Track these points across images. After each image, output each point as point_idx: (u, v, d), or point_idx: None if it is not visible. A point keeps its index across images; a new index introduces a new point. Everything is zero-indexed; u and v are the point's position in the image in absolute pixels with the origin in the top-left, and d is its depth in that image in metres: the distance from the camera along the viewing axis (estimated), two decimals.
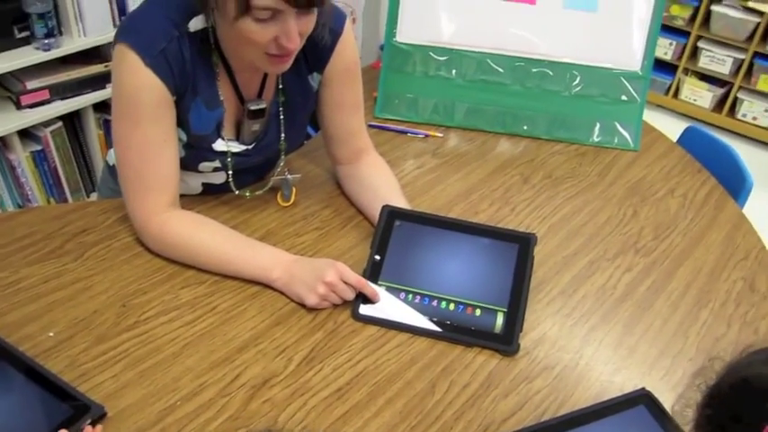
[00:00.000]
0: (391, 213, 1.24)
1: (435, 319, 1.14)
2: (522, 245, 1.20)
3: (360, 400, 1.02)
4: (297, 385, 1.03)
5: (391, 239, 1.21)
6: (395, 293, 1.16)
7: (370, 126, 1.62)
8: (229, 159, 1.25)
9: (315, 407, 1.01)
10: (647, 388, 1.06)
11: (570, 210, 1.46)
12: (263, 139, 1.28)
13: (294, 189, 1.37)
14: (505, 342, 1.12)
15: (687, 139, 1.83)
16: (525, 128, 1.69)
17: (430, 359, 1.10)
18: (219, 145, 1.24)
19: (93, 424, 0.94)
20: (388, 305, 1.15)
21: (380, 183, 1.35)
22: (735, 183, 1.62)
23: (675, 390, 1.09)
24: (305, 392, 1.03)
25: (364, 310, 1.15)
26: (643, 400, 1.04)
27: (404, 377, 1.06)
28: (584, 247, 1.37)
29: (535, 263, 1.23)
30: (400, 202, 1.29)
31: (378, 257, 1.19)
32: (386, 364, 1.08)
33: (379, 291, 1.15)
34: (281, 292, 1.17)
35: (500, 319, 1.14)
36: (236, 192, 1.33)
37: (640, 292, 1.27)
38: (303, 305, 1.15)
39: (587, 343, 1.16)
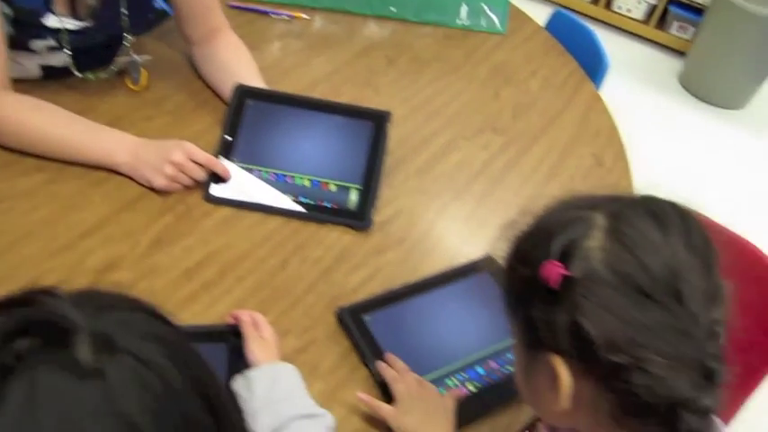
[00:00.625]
0: (243, 92, 1.20)
1: (289, 198, 1.13)
2: (377, 122, 1.20)
3: (209, 279, 1.02)
4: (144, 267, 1.02)
5: (243, 119, 1.18)
6: (248, 173, 1.14)
7: (231, 7, 1.54)
8: (65, 37, 1.16)
9: (163, 287, 0.99)
10: (493, 256, 1.11)
11: (433, 91, 1.47)
12: (102, 14, 1.19)
13: (144, 72, 1.30)
14: (359, 218, 1.13)
15: (554, 24, 1.85)
16: (393, 9, 1.65)
17: (283, 237, 1.10)
18: (51, 20, 1.14)
19: None
20: (240, 185, 1.13)
21: (236, 63, 1.30)
22: (594, 65, 1.67)
23: None
24: (152, 274, 1.01)
25: (216, 190, 1.13)
26: (487, 266, 1.09)
27: (255, 255, 1.06)
28: (444, 127, 1.38)
29: (394, 143, 1.24)
30: (257, 83, 1.25)
31: (229, 137, 1.16)
32: (238, 244, 1.08)
33: (231, 169, 1.13)
34: (129, 177, 1.13)
35: (354, 196, 1.15)
36: (80, 75, 1.24)
37: (495, 168, 1.31)
38: (152, 189, 1.11)
39: (440, 217, 1.19)
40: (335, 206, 1.14)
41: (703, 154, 2.69)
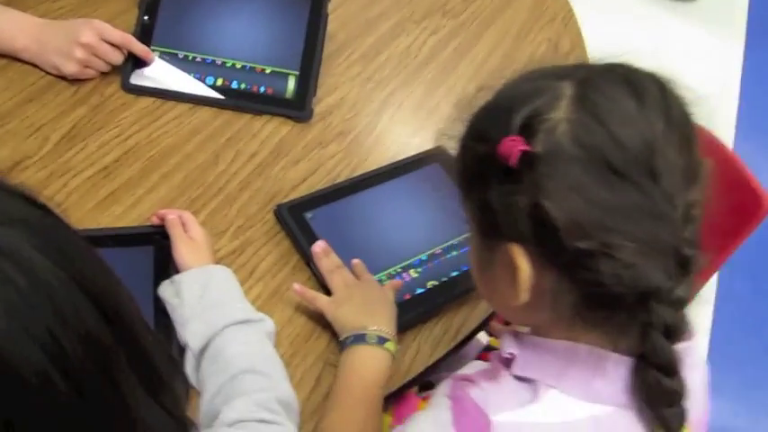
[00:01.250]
0: None
1: (219, 86, 1.02)
2: (315, 1, 1.08)
3: (131, 177, 0.91)
4: (55, 166, 0.90)
5: None
6: (172, 59, 1.02)
7: None
8: None
9: (77, 188, 0.89)
10: (445, 147, 1.03)
11: None
12: None
13: None
14: (297, 108, 1.03)
15: None
16: None
17: (213, 130, 0.99)
18: None
19: None
20: (164, 71, 1.01)
21: None
22: None
23: None
24: (65, 173, 0.90)
25: (136, 78, 1.00)
26: (438, 157, 1.01)
27: (183, 150, 0.96)
28: (390, 8, 1.26)
29: (336, 25, 1.12)
30: None
31: (147, 18, 1.03)
32: (162, 138, 0.97)
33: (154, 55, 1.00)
34: (33, 65, 0.99)
35: (291, 84, 1.04)
36: None
37: (445, 54, 1.21)
38: (62, 77, 0.98)
39: (386, 106, 1.10)
40: (271, 95, 1.03)
41: (656, 44, 2.62)
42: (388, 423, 0.83)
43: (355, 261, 0.86)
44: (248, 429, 0.64)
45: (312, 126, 1.03)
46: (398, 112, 1.10)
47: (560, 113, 0.52)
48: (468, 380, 0.59)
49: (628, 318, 0.54)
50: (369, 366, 0.76)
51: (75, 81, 0.98)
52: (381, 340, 0.76)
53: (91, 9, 1.09)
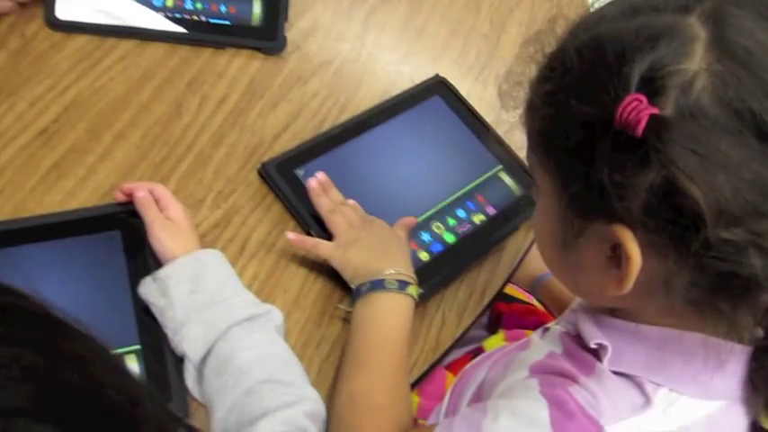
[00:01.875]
0: None
1: (170, 16, 0.84)
2: None
3: (76, 141, 0.74)
4: None
5: None
6: None
7: None
8: None
9: (11, 161, 0.71)
10: (440, 74, 0.89)
11: None
12: None
13: None
14: (268, 37, 0.86)
15: None
16: None
17: (170, 71, 0.82)
18: None
19: None
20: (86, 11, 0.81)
21: None
22: None
23: (471, 72, 0.94)
24: None
25: (64, 11, 0.81)
26: (437, 88, 0.87)
27: (136, 100, 0.79)
28: None
29: None
30: None
31: None
32: (108, 86, 0.79)
33: None
34: None
35: (257, 8, 0.86)
36: None
37: None
38: None
39: (368, 28, 0.94)
40: (233, 23, 0.85)
41: None
42: (416, 402, 0.74)
43: (350, 202, 0.74)
44: None
45: (286, 58, 0.87)
46: (383, 34, 0.94)
47: (695, 63, 0.39)
48: (564, 375, 0.49)
49: (752, 305, 0.44)
50: (393, 316, 0.65)
51: None
52: (403, 285, 0.66)
53: None
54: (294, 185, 0.76)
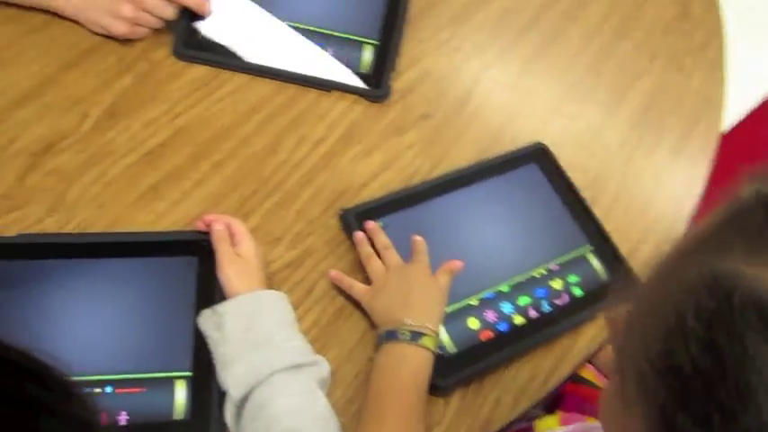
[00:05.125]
0: None
1: (285, 57, 0.87)
2: None
3: (178, 166, 0.79)
4: (94, 149, 0.79)
5: None
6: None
7: None
8: None
9: (116, 178, 0.77)
10: (544, 139, 0.86)
11: None
12: None
13: None
14: (373, 84, 0.87)
15: None
16: None
17: (275, 108, 0.85)
18: None
19: None
20: (223, 31, 0.86)
21: None
22: None
23: (579, 141, 0.90)
24: (104, 158, 0.78)
25: (199, 34, 0.86)
26: (536, 156, 0.85)
27: (239, 133, 0.83)
28: None
29: None
30: None
31: None
32: (216, 117, 0.83)
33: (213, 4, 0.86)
34: (76, 22, 0.86)
35: (367, 55, 0.88)
36: None
37: (551, 18, 1.01)
38: (110, 38, 0.85)
39: (478, 84, 0.93)
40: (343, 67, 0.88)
41: None
42: None
43: (416, 238, 0.74)
44: None
45: (389, 107, 0.88)
46: (492, 91, 0.93)
47: None
48: None
49: None
50: (405, 366, 0.64)
51: (121, 44, 0.86)
52: (416, 336, 0.64)
53: None
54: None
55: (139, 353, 0.65)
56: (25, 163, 0.76)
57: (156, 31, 0.86)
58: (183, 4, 0.85)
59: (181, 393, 0.64)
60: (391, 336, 0.65)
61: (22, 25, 0.85)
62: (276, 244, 0.76)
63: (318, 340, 0.70)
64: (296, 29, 0.88)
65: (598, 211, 0.82)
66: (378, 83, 0.87)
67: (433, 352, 0.65)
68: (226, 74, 0.87)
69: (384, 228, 0.76)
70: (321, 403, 0.62)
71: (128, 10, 0.83)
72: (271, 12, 0.88)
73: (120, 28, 0.84)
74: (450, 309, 0.72)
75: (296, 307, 0.70)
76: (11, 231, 0.71)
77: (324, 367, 0.65)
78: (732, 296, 0.33)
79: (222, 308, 0.65)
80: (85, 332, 0.66)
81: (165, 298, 0.68)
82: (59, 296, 0.67)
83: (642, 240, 0.83)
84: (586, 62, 0.97)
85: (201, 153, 0.80)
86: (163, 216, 0.75)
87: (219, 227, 0.70)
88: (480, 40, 0.97)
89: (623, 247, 0.79)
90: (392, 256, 0.72)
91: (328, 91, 0.87)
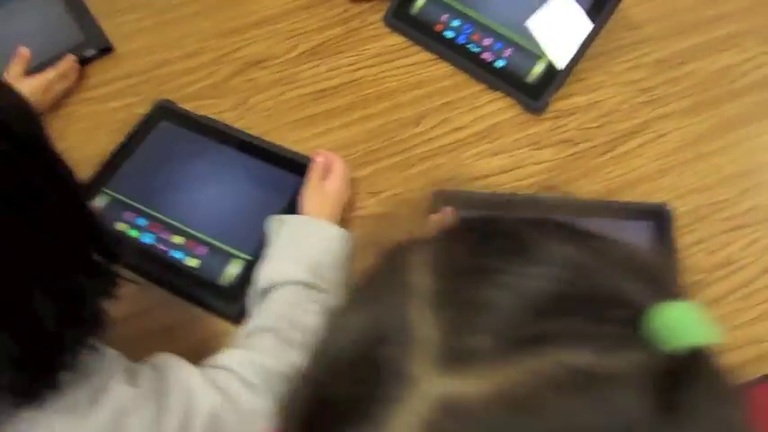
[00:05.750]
0: None
1: (466, 51, 0.95)
2: None
3: (335, 108, 0.93)
4: (286, 74, 0.97)
5: None
6: None
7: None
8: None
9: (287, 101, 0.94)
10: (681, 205, 0.81)
11: None
12: None
13: None
14: (533, 95, 0.90)
15: None
16: None
17: (438, 89, 0.94)
18: None
19: (96, 58, 0.99)
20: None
21: None
22: None
23: (714, 219, 0.82)
24: (289, 84, 0.96)
25: (410, 8, 0.98)
26: (651, 215, 0.80)
27: (396, 98, 0.93)
28: (732, 15, 0.99)
29: (648, 15, 0.97)
30: None
31: None
32: (386, 80, 0.95)
33: None
34: None
35: (539, 67, 0.91)
36: None
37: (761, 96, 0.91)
38: None
39: (645, 130, 0.89)
40: (512, 71, 0.92)
41: None
42: None
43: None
44: (226, 379, 0.64)
45: (540, 121, 0.90)
46: (657, 141, 0.88)
47: None
48: None
49: None
50: None
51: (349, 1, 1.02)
52: None
53: None
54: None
55: (224, 226, 0.82)
56: (237, 68, 0.97)
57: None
58: None
59: (234, 269, 0.79)
60: None
61: None
62: (372, 197, 0.86)
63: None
64: (495, 30, 0.94)
65: None
66: (537, 95, 0.90)
67: None
68: (415, 48, 0.97)
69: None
70: (309, 319, 0.70)
71: None
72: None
73: None
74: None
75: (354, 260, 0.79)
76: (202, 111, 0.92)
77: (331, 298, 0.73)
78: None
79: (287, 218, 0.78)
80: (199, 196, 0.84)
81: (264, 197, 0.84)
82: (201, 166, 0.87)
83: None
84: None
85: (359, 104, 0.93)
86: (303, 140, 0.90)
87: (320, 159, 0.82)
88: (675, 90, 0.92)
89: None
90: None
91: (494, 89, 0.93)
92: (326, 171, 0.82)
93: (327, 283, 0.74)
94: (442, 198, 0.83)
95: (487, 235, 0.33)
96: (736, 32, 0.96)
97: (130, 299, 0.60)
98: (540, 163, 0.87)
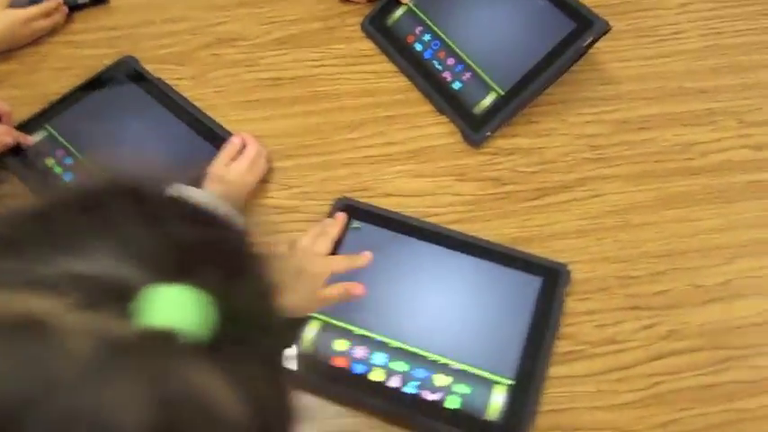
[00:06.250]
0: None
1: (428, 67, 0.93)
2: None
3: (282, 97, 0.93)
4: (250, 56, 0.98)
5: None
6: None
7: None
8: None
9: (243, 81, 0.95)
10: (584, 273, 0.76)
11: None
12: None
13: None
14: (475, 126, 0.87)
15: None
16: None
17: (387, 101, 0.93)
18: None
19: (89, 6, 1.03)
20: None
21: None
22: None
23: (626, 296, 0.76)
24: (250, 65, 0.97)
25: (388, 19, 0.98)
26: (550, 273, 0.76)
27: (343, 102, 0.93)
28: None
29: None
30: None
31: None
32: (341, 81, 0.95)
33: None
34: None
35: (489, 100, 0.88)
36: None
37: None
38: None
39: (581, 186, 0.84)
40: (464, 97, 0.89)
41: None
42: None
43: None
44: None
45: (475, 154, 0.87)
46: (585, 201, 0.83)
47: None
48: None
49: None
50: None
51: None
52: None
53: None
54: (351, 229, 0.80)
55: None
56: (208, 42, 0.99)
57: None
58: None
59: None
60: None
61: None
62: (284, 189, 0.85)
63: None
64: (453, 47, 0.92)
65: None
66: (478, 127, 0.87)
67: None
68: (381, 58, 0.96)
69: (356, 229, 0.79)
70: None
71: None
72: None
73: None
74: (339, 322, 0.73)
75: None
76: (162, 75, 0.95)
77: None
78: None
79: (192, 191, 0.78)
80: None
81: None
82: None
83: None
84: None
85: (305, 99, 0.93)
86: (242, 122, 0.90)
87: (235, 140, 0.83)
88: (624, 154, 0.87)
89: None
90: (310, 237, 0.75)
91: (442, 113, 0.90)
92: (239, 153, 0.83)
93: None
94: (343, 205, 0.81)
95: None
96: (715, 110, 0.90)
97: None
98: (459, 195, 0.84)
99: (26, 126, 0.90)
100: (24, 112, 0.92)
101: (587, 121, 0.89)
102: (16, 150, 0.88)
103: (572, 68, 0.90)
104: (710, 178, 0.84)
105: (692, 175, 0.85)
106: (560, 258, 0.78)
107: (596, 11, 0.90)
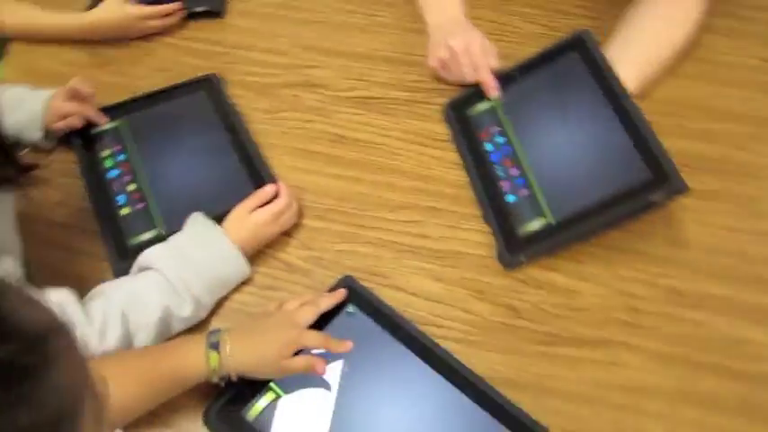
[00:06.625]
0: None
1: (491, 171, 0.88)
2: None
3: (339, 157, 0.92)
4: (326, 107, 0.98)
5: None
6: None
7: None
8: None
9: (310, 129, 0.95)
10: None
11: None
12: None
13: None
14: (512, 247, 0.82)
15: None
16: None
17: (437, 193, 0.89)
18: None
19: (204, 16, 1.08)
20: None
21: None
22: None
23: None
24: (322, 115, 0.97)
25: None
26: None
27: (394, 179, 0.90)
28: None
29: None
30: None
31: None
32: (400, 158, 0.92)
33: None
34: None
35: (536, 225, 0.82)
36: None
37: None
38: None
39: (601, 348, 0.77)
40: (514, 214, 0.84)
41: None
42: None
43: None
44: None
45: (502, 276, 0.82)
46: (596, 366, 0.76)
47: None
48: None
49: None
50: (177, 352, 0.69)
51: (435, 84, 1.00)
52: (213, 345, 0.68)
53: None
54: (338, 310, 0.77)
55: None
56: (295, 81, 1.00)
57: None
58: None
59: None
60: (212, 332, 0.69)
61: None
62: (303, 249, 0.84)
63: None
64: (520, 158, 0.87)
65: None
66: (515, 251, 0.81)
67: (208, 371, 0.67)
68: (449, 146, 0.93)
69: (349, 313, 0.76)
70: (155, 317, 0.72)
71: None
72: None
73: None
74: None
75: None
76: (239, 101, 0.97)
77: (186, 310, 0.73)
78: None
79: (203, 220, 0.79)
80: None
81: None
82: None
83: None
84: None
85: (359, 165, 0.91)
86: (290, 169, 0.90)
87: (268, 189, 0.82)
88: (665, 329, 0.78)
89: None
90: (297, 303, 0.74)
91: (486, 222, 0.86)
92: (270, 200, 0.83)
93: (192, 297, 0.74)
94: (346, 284, 0.79)
95: None
96: None
97: None
98: (470, 313, 0.79)
99: (102, 112, 0.95)
100: (111, 99, 0.97)
101: (636, 279, 0.81)
102: (85, 134, 0.93)
103: (641, 217, 0.83)
104: (748, 388, 0.74)
105: (729, 378, 0.74)
106: (549, 421, 0.71)
107: (696, 164, 0.83)
